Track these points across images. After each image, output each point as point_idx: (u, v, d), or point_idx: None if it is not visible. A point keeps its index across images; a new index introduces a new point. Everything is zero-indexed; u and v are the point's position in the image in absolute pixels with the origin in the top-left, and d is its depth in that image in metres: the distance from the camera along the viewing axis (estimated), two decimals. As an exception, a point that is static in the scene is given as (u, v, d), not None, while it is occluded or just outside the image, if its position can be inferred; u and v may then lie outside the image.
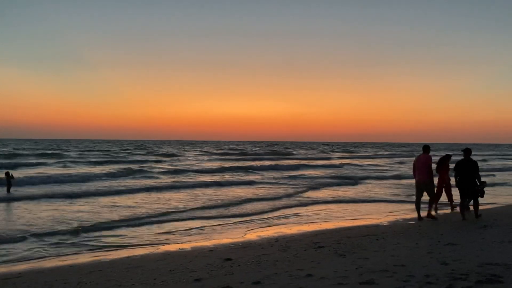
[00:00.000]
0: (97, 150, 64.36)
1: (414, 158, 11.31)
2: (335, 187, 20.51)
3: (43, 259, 7.61)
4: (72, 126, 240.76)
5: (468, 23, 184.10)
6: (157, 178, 24.06)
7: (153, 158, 45.05)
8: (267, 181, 22.59)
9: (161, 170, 28.75)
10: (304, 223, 11.14)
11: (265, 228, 10.37)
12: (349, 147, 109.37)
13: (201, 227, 10.50)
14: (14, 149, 60.12)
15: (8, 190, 16.01)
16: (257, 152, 64.35)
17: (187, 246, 8.39)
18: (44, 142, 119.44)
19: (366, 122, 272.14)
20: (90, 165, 33.68)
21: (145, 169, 28.75)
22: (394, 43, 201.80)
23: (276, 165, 34.69)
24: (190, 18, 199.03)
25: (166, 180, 22.60)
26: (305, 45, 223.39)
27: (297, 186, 20.02)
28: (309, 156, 57.14)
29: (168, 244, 8.70)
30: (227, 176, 25.20)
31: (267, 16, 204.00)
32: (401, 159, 50.67)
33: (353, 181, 23.34)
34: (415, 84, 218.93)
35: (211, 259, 6.90)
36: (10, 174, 16.56)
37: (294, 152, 68.07)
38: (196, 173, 27.22)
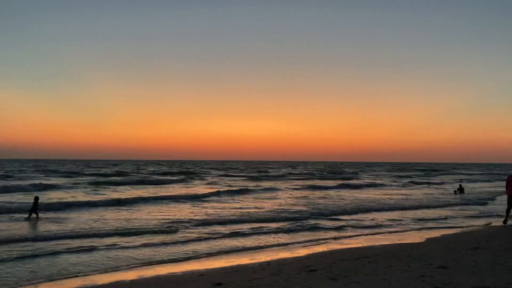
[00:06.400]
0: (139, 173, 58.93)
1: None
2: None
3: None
4: (65, 145, 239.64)
5: (460, 41, 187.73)
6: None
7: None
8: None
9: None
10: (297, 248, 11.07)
11: None
12: (363, 167, 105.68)
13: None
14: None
15: (31, 214, 15.23)
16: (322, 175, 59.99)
17: (178, 270, 8.28)
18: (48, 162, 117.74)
19: (360, 142, 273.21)
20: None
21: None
22: (388, 62, 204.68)
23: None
24: (184, 37, 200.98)
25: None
26: (300, 63, 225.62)
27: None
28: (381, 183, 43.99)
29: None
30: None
31: (262, 35, 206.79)
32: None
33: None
34: (409, 103, 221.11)
35: (201, 283, 6.81)
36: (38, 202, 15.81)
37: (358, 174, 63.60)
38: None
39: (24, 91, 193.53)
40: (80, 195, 24.78)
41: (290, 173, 64.10)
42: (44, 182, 33.44)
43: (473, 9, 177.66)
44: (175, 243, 11.25)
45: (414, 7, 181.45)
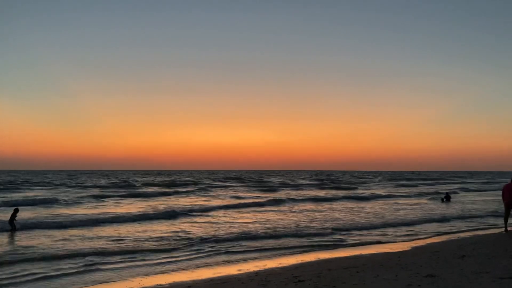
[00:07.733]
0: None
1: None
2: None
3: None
4: (52, 156, 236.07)
5: (439, 55, 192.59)
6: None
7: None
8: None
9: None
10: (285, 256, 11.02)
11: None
12: (354, 176, 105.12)
13: None
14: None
15: (13, 227, 15.03)
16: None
17: (165, 282, 8.17)
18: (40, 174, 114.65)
19: (348, 151, 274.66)
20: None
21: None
22: (378, 72, 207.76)
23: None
24: (172, 45, 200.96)
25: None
26: (290, 73, 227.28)
27: None
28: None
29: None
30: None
31: (253, 43, 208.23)
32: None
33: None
34: (398, 113, 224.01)
35: (189, 296, 6.73)
36: (17, 214, 15.59)
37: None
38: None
39: (7, 100, 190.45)
40: (67, 210, 23.86)
41: (285, 183, 62.92)
42: (29, 194, 32.63)
43: (458, 24, 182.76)
44: (169, 260, 10.53)
45: (405, 22, 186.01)
